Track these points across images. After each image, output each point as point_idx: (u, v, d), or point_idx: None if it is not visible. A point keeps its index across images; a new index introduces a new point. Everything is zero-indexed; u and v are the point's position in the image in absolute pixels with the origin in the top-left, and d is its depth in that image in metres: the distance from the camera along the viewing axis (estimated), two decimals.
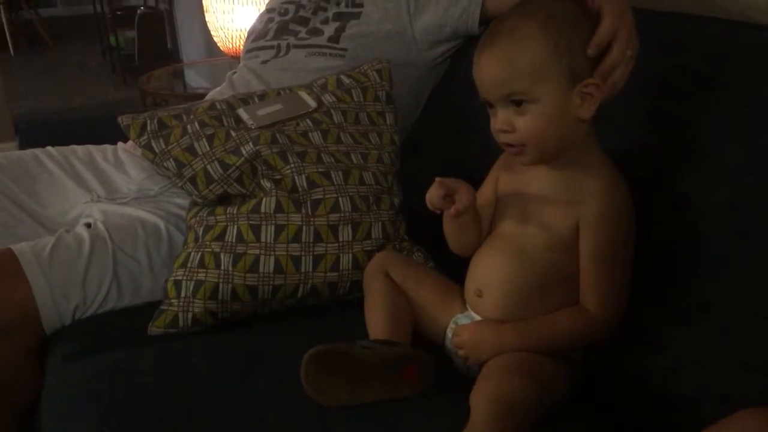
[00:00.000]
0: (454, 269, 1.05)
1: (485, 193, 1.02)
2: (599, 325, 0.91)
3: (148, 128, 1.23)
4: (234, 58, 2.35)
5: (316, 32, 1.47)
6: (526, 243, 0.94)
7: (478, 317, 0.98)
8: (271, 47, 1.52)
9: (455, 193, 0.91)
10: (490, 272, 0.97)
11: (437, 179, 0.91)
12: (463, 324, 0.99)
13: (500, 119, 0.89)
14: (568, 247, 0.91)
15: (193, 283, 1.08)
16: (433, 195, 0.92)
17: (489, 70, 0.89)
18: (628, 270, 0.91)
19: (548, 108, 0.87)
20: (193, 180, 1.18)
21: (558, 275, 0.93)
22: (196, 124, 1.21)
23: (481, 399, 0.83)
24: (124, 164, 1.37)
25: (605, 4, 0.89)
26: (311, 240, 1.11)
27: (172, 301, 1.09)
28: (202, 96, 1.60)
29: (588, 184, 0.90)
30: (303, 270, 1.10)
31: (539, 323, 0.93)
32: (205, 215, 1.17)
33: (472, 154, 1.31)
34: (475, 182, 1.07)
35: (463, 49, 1.43)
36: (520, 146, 0.90)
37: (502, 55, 0.88)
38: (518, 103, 0.88)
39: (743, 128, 0.90)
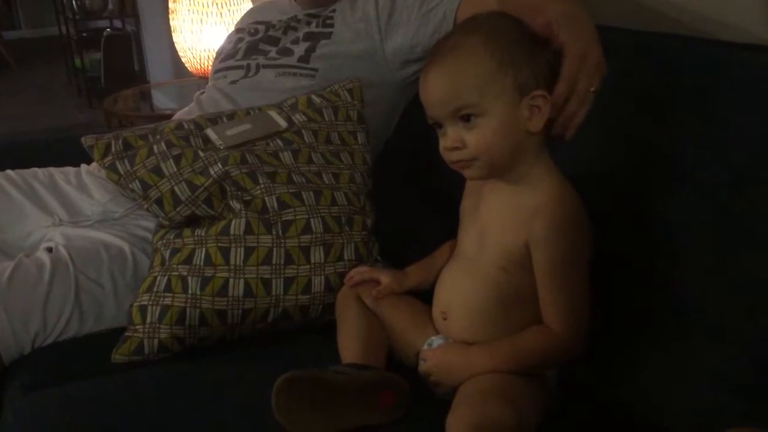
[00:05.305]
0: (427, 291, 1.03)
1: None
2: (564, 342, 0.89)
3: (113, 149, 1.19)
4: (202, 79, 2.32)
5: (287, 52, 1.45)
6: (482, 263, 0.94)
7: (451, 339, 0.96)
8: (241, 67, 1.49)
9: (376, 280, 1.06)
10: (452, 294, 0.97)
11: (354, 275, 1.08)
12: (426, 350, 0.97)
13: (450, 136, 0.89)
14: (523, 265, 0.90)
15: (159, 308, 1.05)
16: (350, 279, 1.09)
17: (436, 87, 0.90)
18: (585, 284, 0.89)
19: (497, 121, 0.87)
20: (159, 202, 1.15)
21: (518, 294, 0.92)
22: (163, 144, 1.18)
23: (458, 424, 0.81)
24: (87, 186, 1.33)
25: (566, 47, 0.88)
26: (282, 262, 1.08)
27: (137, 327, 1.05)
28: (170, 117, 1.57)
29: (533, 201, 0.89)
30: (274, 293, 1.07)
31: (505, 343, 0.91)
32: (172, 238, 1.14)
33: (445, 172, 1.29)
34: (449, 201, 1.06)
35: None
36: (470, 161, 0.89)
37: (448, 71, 0.89)
38: (467, 119, 0.88)
39: (718, 146, 0.90)
